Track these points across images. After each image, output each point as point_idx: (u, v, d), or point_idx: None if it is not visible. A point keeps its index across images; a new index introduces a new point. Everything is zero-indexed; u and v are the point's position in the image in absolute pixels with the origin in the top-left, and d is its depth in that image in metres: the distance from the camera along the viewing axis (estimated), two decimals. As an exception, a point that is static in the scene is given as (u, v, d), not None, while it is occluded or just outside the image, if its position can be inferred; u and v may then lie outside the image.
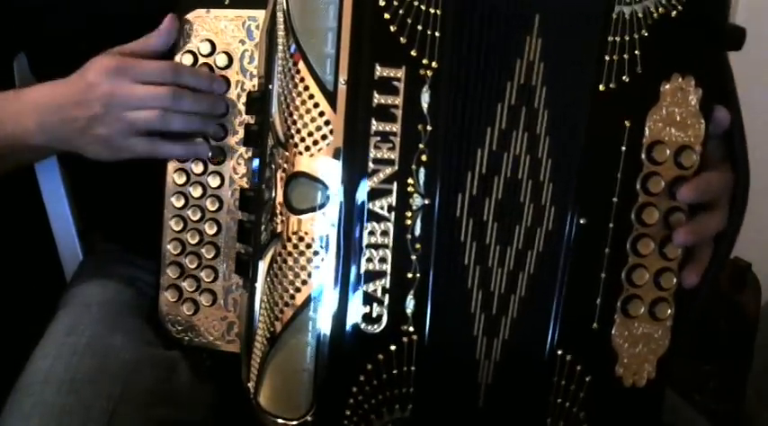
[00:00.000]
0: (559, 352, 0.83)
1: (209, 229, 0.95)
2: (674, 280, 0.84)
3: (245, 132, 0.91)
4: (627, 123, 0.82)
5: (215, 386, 0.99)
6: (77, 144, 0.93)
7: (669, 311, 0.84)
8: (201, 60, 0.93)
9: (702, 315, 1.73)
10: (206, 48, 0.93)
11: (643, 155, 0.82)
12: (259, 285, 0.85)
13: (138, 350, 0.94)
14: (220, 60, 0.93)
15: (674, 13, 0.81)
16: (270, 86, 0.84)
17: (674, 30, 0.82)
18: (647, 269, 0.83)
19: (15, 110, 0.94)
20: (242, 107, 0.92)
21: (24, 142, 0.94)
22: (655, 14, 0.81)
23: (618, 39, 0.81)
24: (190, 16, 0.93)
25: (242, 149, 0.93)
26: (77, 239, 1.18)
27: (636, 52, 0.81)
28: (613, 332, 0.84)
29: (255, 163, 0.90)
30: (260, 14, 0.90)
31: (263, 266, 0.85)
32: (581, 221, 0.82)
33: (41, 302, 1.05)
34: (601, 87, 0.81)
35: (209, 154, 0.93)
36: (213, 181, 0.94)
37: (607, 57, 0.81)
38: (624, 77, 0.81)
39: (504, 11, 0.81)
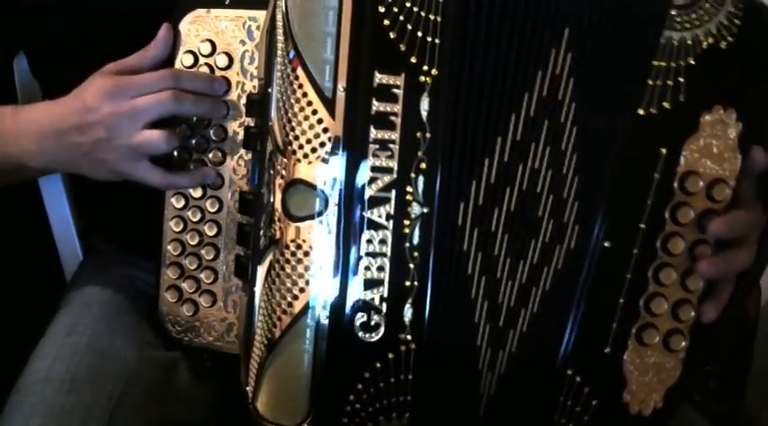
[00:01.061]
0: (569, 372, 0.83)
1: (209, 230, 0.95)
2: (692, 313, 0.83)
3: (244, 134, 0.91)
4: (663, 150, 0.81)
5: (215, 387, 0.99)
6: (80, 168, 0.92)
7: (683, 343, 0.83)
8: (202, 60, 0.93)
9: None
10: (206, 49, 0.92)
11: (675, 184, 0.81)
12: (258, 289, 0.85)
13: (138, 350, 0.94)
14: (221, 61, 0.92)
15: (723, 44, 0.80)
16: (269, 90, 0.84)
17: (722, 61, 0.80)
18: (666, 298, 0.83)
19: (16, 132, 0.93)
20: (242, 109, 0.92)
21: (25, 164, 0.94)
22: (704, 44, 0.80)
23: (664, 64, 0.80)
24: (190, 16, 0.93)
25: (242, 151, 0.92)
26: (77, 239, 1.18)
27: (680, 79, 0.80)
28: (625, 358, 0.83)
29: (254, 167, 0.90)
30: (260, 15, 0.90)
31: (261, 271, 0.84)
32: (605, 244, 0.81)
33: (41, 302, 1.05)
34: (641, 111, 0.80)
35: (214, 178, 0.93)
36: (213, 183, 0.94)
37: (650, 82, 0.80)
38: (665, 104, 0.80)
39: (524, 22, 0.79)
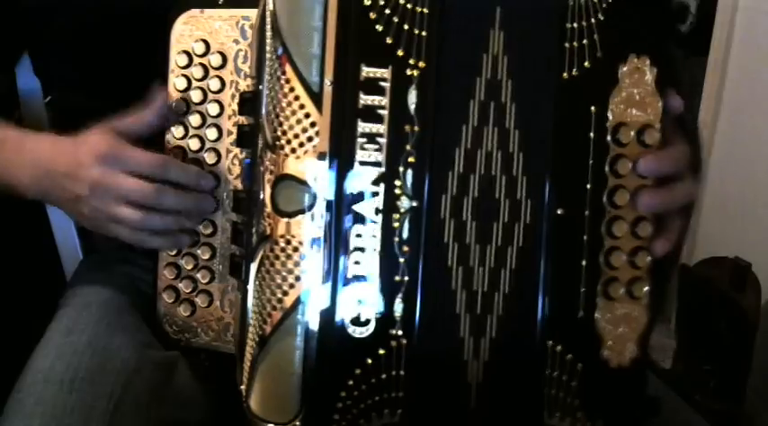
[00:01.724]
0: (549, 343, 0.83)
1: (205, 230, 0.95)
2: (648, 258, 0.83)
3: (238, 133, 0.91)
4: (593, 108, 0.81)
5: (214, 386, 0.98)
6: (65, 209, 0.97)
7: (645, 289, 0.84)
8: (196, 60, 0.93)
9: (702, 315, 1.73)
10: (200, 48, 0.93)
11: (609, 138, 0.82)
12: (250, 287, 0.85)
13: (138, 349, 0.94)
14: (214, 60, 0.93)
15: None
16: (260, 87, 0.84)
17: (627, 11, 0.82)
18: (622, 250, 0.83)
19: (16, 163, 0.96)
20: (236, 108, 0.92)
21: (20, 194, 0.97)
22: None
23: (576, 25, 0.81)
24: (183, 17, 0.93)
25: (236, 150, 0.92)
26: (77, 238, 1.18)
27: (594, 37, 0.81)
28: (597, 316, 0.83)
29: (247, 165, 0.89)
30: (254, 14, 0.89)
31: (253, 268, 0.84)
32: (558, 212, 0.82)
33: (41, 302, 1.05)
34: (564, 75, 0.81)
35: (190, 242, 0.95)
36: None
37: (567, 45, 0.81)
38: (585, 63, 0.81)
39: (469, 6, 0.80)
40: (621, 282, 0.83)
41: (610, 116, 0.81)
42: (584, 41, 0.81)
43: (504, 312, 0.82)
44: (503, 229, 0.82)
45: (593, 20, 0.81)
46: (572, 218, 0.82)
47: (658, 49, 0.82)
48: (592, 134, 0.81)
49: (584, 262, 0.83)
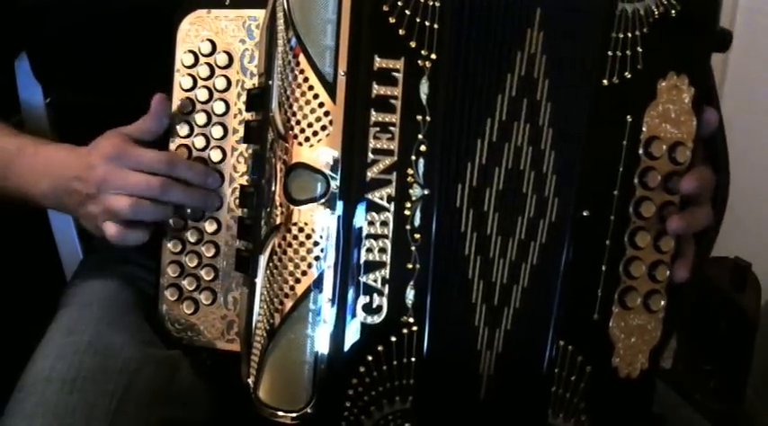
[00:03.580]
0: (561, 343, 0.83)
1: (209, 227, 0.95)
2: (667, 273, 0.85)
3: (245, 129, 0.92)
4: (628, 118, 0.83)
5: (216, 386, 0.98)
6: (77, 215, 0.98)
7: (662, 303, 0.85)
8: (202, 60, 0.94)
9: (702, 315, 1.74)
10: (207, 48, 0.94)
11: (641, 150, 0.83)
12: (259, 279, 0.85)
13: (139, 349, 0.93)
14: (221, 59, 0.94)
15: (672, 12, 0.83)
16: (270, 82, 0.85)
17: (672, 29, 0.83)
18: (642, 261, 0.84)
19: (37, 172, 0.98)
20: (242, 105, 0.93)
21: (37, 201, 1.00)
22: (656, 13, 0.83)
23: (621, 35, 0.82)
24: (190, 17, 0.94)
25: (242, 147, 0.93)
26: (77, 239, 1.18)
27: (638, 49, 0.82)
28: (611, 323, 0.84)
29: (255, 161, 0.90)
30: (260, 14, 0.91)
31: (263, 260, 0.85)
32: (584, 213, 0.83)
33: (41, 302, 1.04)
34: (604, 82, 0.83)
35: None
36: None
37: (610, 53, 0.82)
38: (626, 73, 0.83)
39: (503, 4, 0.82)
40: (639, 293, 0.84)
41: (644, 128, 0.83)
42: (628, 52, 0.82)
43: (521, 305, 0.83)
44: (527, 224, 0.83)
45: (638, 32, 0.82)
46: (597, 222, 0.83)
47: (698, 70, 0.84)
48: (625, 142, 0.83)
49: (603, 267, 0.84)
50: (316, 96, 0.81)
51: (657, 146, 0.83)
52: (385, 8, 0.80)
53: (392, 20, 0.80)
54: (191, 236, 0.96)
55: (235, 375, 0.91)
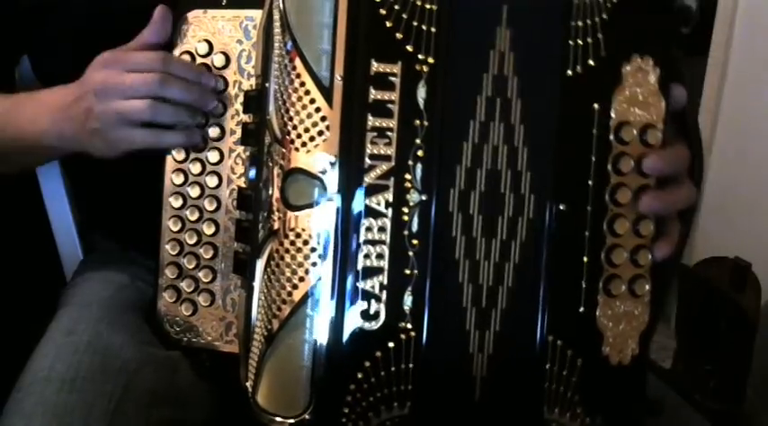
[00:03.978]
0: (550, 339, 0.83)
1: (208, 229, 0.95)
2: (649, 257, 0.85)
3: (242, 131, 0.92)
4: (596, 106, 0.83)
5: (216, 387, 0.98)
6: (81, 141, 0.95)
7: (647, 287, 0.85)
8: (199, 60, 0.94)
9: (702, 315, 1.74)
10: (203, 49, 0.93)
11: (612, 137, 0.83)
12: (257, 284, 0.85)
13: (139, 349, 0.94)
14: (218, 60, 0.93)
15: None
16: (267, 85, 0.84)
17: (631, 10, 0.83)
18: (623, 248, 0.84)
19: (32, 112, 0.97)
20: (239, 106, 0.92)
21: (40, 143, 0.98)
22: None
23: (581, 23, 0.82)
24: (187, 17, 0.94)
25: (239, 149, 0.93)
26: (77, 239, 1.18)
27: (599, 35, 0.82)
28: (598, 313, 0.84)
29: (252, 163, 0.90)
30: (257, 14, 0.90)
31: (260, 264, 0.84)
32: (561, 207, 0.83)
33: (41, 302, 1.04)
34: (569, 72, 0.82)
35: (201, 141, 0.94)
36: (211, 181, 0.94)
37: (572, 42, 0.82)
38: (590, 61, 0.82)
39: (476, 4, 0.82)
40: (623, 280, 0.84)
41: (613, 114, 0.83)
42: (589, 40, 0.82)
43: (507, 306, 0.83)
44: (507, 223, 0.83)
45: (597, 18, 0.82)
46: (574, 214, 0.83)
47: (662, 50, 0.83)
48: (594, 131, 0.83)
49: (585, 259, 0.84)
50: (312, 101, 0.80)
51: (628, 131, 0.83)
52: (382, 12, 0.80)
53: (389, 24, 0.80)
54: (189, 238, 0.95)
55: (234, 376, 0.91)
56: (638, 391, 0.87)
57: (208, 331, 0.96)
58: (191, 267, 0.96)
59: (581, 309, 0.84)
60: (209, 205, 0.95)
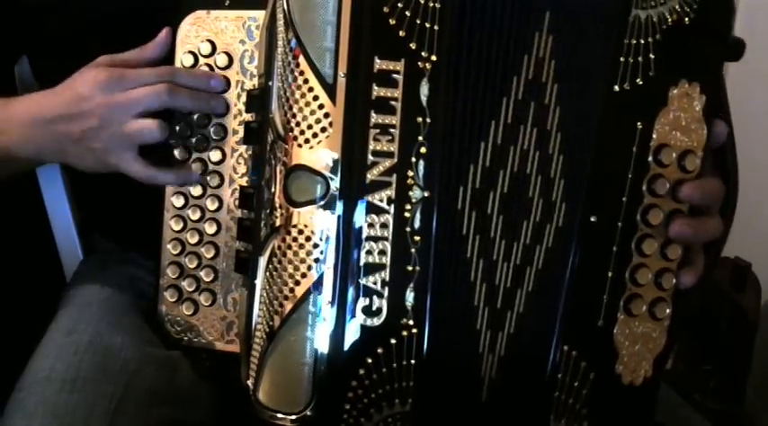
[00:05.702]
0: (565, 348, 0.83)
1: (209, 229, 0.95)
2: (673, 281, 0.85)
3: (244, 130, 0.92)
4: (639, 124, 0.83)
5: (216, 387, 0.98)
6: (67, 157, 0.93)
7: (668, 311, 0.85)
8: (202, 61, 0.94)
9: (702, 315, 1.73)
10: (206, 49, 0.94)
11: (650, 157, 0.83)
12: (258, 281, 0.85)
13: (139, 349, 0.94)
14: (221, 60, 0.94)
15: (686, 20, 0.83)
16: (270, 83, 0.85)
17: (685, 36, 0.83)
18: (649, 268, 0.84)
19: (4, 123, 0.94)
20: (242, 106, 0.93)
21: (12, 154, 0.95)
22: (669, 20, 0.83)
23: (633, 41, 0.82)
24: (190, 18, 0.94)
25: (241, 148, 0.93)
26: (77, 238, 1.18)
27: (650, 55, 0.82)
28: (616, 330, 0.84)
29: (255, 162, 0.90)
30: (260, 15, 0.91)
31: (262, 262, 0.85)
32: (591, 219, 0.83)
33: (41, 302, 1.04)
34: (616, 88, 0.82)
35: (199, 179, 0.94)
36: (213, 181, 0.94)
37: (623, 59, 0.82)
38: (638, 80, 0.83)
39: (509, 6, 0.81)
40: (645, 300, 0.84)
41: (654, 135, 0.83)
42: (640, 59, 0.82)
43: (525, 309, 0.83)
44: (533, 228, 0.83)
45: (650, 39, 0.82)
46: (604, 228, 0.83)
47: (710, 78, 0.84)
48: (635, 149, 0.83)
49: (610, 273, 0.84)
50: (316, 98, 0.80)
51: (667, 154, 0.83)
52: (385, 9, 0.80)
53: (392, 21, 0.80)
54: (190, 237, 0.96)
55: (234, 376, 0.91)
56: (647, 414, 0.87)
57: (208, 330, 0.96)
58: (192, 266, 0.96)
59: (599, 323, 0.84)
60: (210, 204, 0.95)
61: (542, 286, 0.83)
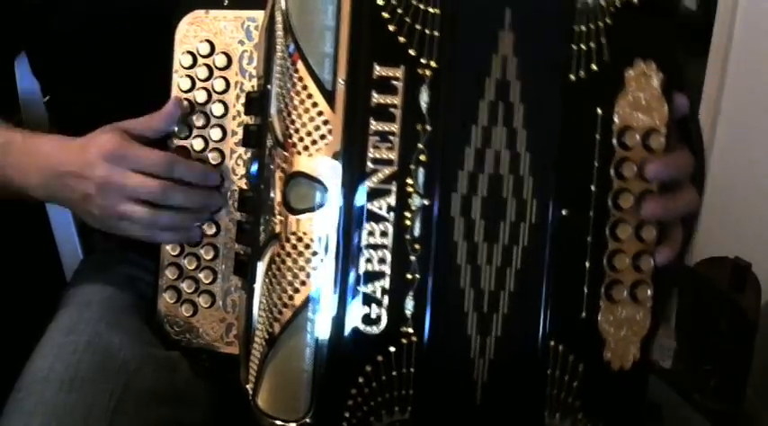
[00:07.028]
0: (551, 343, 0.83)
1: (208, 230, 0.95)
2: (651, 262, 0.84)
3: (243, 132, 0.91)
4: (599, 111, 0.82)
5: (215, 387, 0.98)
6: (74, 209, 0.98)
7: (649, 292, 0.85)
8: (201, 61, 0.94)
9: (702, 315, 1.74)
10: (205, 49, 0.93)
11: (614, 141, 0.83)
12: (257, 286, 0.85)
13: (138, 349, 0.94)
14: (219, 61, 0.93)
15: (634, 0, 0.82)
16: (269, 86, 0.84)
17: (635, 16, 0.82)
18: (625, 253, 0.84)
19: (24, 166, 0.97)
20: (241, 107, 0.92)
21: (29, 195, 0.98)
22: (617, 2, 0.82)
23: (584, 27, 0.82)
24: (188, 17, 0.93)
25: (241, 150, 0.93)
26: (77, 238, 1.18)
27: (602, 40, 0.82)
28: (599, 318, 0.84)
29: (254, 165, 0.90)
30: (259, 15, 0.90)
31: (261, 267, 0.84)
32: (563, 212, 0.83)
33: (41, 302, 1.04)
34: (571, 77, 0.82)
35: (200, 237, 0.96)
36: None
37: (575, 47, 0.82)
38: (593, 66, 0.82)
39: (480, 8, 0.81)
40: (625, 285, 0.84)
41: (616, 119, 0.82)
42: (592, 44, 0.81)
43: (509, 311, 0.83)
44: (509, 228, 0.82)
45: (600, 23, 0.81)
46: (576, 220, 0.83)
47: (665, 54, 0.83)
48: (597, 136, 0.82)
49: (587, 264, 0.83)
50: (314, 104, 0.80)
51: (631, 136, 0.83)
52: (385, 15, 0.79)
53: (392, 27, 0.79)
54: (190, 238, 0.95)
55: (234, 377, 0.91)
56: (640, 396, 0.87)
57: (208, 332, 0.96)
58: (191, 268, 0.96)
59: (583, 314, 0.83)
60: (210, 205, 0.95)
61: (523, 286, 0.83)
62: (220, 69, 0.93)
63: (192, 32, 0.93)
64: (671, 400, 1.01)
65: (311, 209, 0.80)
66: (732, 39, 1.93)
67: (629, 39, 0.82)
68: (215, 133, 0.94)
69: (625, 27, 0.82)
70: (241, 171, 0.93)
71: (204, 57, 0.93)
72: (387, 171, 0.80)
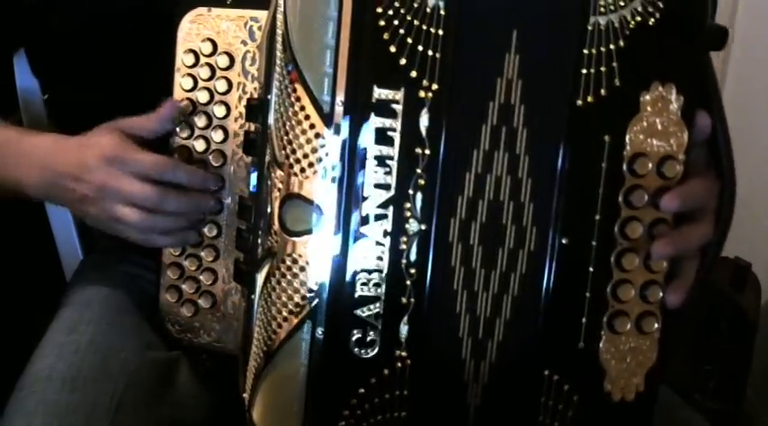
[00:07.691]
0: (546, 373, 0.82)
1: (210, 232, 0.95)
2: (660, 293, 0.82)
3: (245, 140, 0.90)
4: (606, 138, 0.79)
5: (216, 386, 0.99)
6: (72, 209, 0.99)
7: (656, 324, 0.82)
8: (203, 60, 0.92)
9: (702, 315, 1.72)
10: (207, 48, 0.92)
11: (625, 168, 0.80)
12: (256, 297, 0.85)
13: (139, 348, 0.95)
14: (221, 61, 0.92)
15: (651, 20, 0.78)
16: (269, 97, 0.82)
17: (653, 37, 0.78)
18: (632, 283, 0.81)
19: (21, 164, 0.97)
20: (243, 110, 0.91)
21: (26, 193, 0.98)
22: (632, 23, 0.78)
23: (594, 51, 0.78)
24: (191, 14, 0.92)
25: (241, 152, 0.92)
26: (77, 238, 1.18)
27: (613, 64, 0.78)
28: (600, 348, 0.82)
29: (253, 174, 0.89)
30: (262, 15, 0.89)
31: (259, 279, 0.84)
32: (563, 241, 0.80)
33: (42, 301, 1.05)
34: (578, 102, 0.78)
35: (196, 240, 0.96)
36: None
37: (584, 71, 0.78)
38: (602, 91, 0.78)
39: (485, 29, 0.78)
40: (630, 316, 0.82)
41: (627, 145, 0.79)
42: (602, 68, 0.78)
43: (503, 337, 0.82)
44: (508, 255, 0.81)
45: (612, 46, 0.78)
46: (577, 249, 0.80)
47: (687, 76, 0.79)
48: (604, 164, 0.79)
49: (587, 294, 0.81)
50: (312, 126, 0.78)
51: (642, 163, 0.79)
52: (386, 36, 0.76)
53: (393, 48, 0.76)
54: (190, 239, 0.95)
55: (234, 376, 0.91)
56: None
57: (209, 332, 0.97)
58: (192, 269, 0.96)
59: (581, 345, 0.82)
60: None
61: (519, 313, 0.81)
62: (222, 69, 0.92)
63: (194, 30, 0.92)
64: (671, 400, 1.00)
65: (307, 232, 0.79)
66: (732, 38, 1.86)
67: (644, 62, 0.78)
68: (217, 135, 0.93)
69: (641, 49, 0.78)
70: (242, 173, 0.92)
71: (206, 56, 0.92)
72: (384, 195, 0.78)
